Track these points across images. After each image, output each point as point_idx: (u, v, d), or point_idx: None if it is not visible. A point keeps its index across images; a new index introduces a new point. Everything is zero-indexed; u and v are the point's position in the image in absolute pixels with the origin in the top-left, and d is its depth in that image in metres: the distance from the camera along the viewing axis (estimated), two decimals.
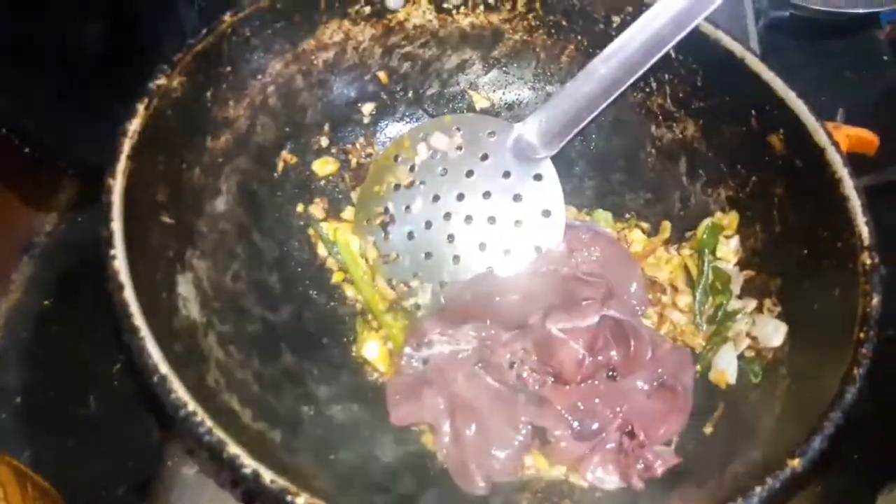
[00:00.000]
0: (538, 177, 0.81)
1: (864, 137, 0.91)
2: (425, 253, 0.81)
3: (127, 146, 0.63)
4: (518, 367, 0.73)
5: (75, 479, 0.77)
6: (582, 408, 0.71)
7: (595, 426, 0.71)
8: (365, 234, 0.83)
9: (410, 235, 0.82)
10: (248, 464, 0.52)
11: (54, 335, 0.88)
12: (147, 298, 0.58)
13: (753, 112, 0.77)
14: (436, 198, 0.82)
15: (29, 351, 0.87)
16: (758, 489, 0.54)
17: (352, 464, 0.68)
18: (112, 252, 0.58)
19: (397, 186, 0.83)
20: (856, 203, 0.68)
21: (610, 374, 0.75)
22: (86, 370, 0.82)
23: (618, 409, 0.71)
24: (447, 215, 0.82)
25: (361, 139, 0.87)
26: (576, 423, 0.71)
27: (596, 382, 0.73)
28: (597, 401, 0.72)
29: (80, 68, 0.89)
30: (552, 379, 0.73)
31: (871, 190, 0.70)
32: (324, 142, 0.85)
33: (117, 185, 0.61)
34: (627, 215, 0.87)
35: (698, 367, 0.76)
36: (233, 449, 0.52)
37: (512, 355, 0.73)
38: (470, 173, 0.82)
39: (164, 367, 0.54)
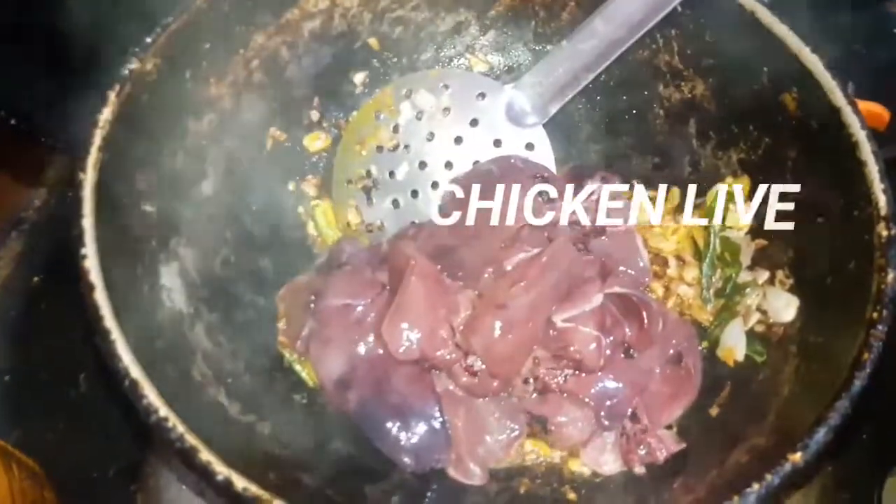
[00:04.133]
0: (529, 146, 0.78)
1: (875, 112, 0.85)
2: (412, 223, 0.78)
3: (98, 137, 0.61)
4: (532, 369, 0.68)
5: (64, 461, 0.76)
6: (609, 395, 0.67)
7: (624, 411, 0.67)
8: (345, 199, 0.79)
9: (396, 204, 0.79)
10: (220, 471, 0.51)
11: (44, 313, 0.86)
12: (124, 296, 0.57)
13: (765, 69, 0.72)
14: (422, 164, 0.79)
15: (18, 329, 0.85)
16: (755, 486, 0.52)
17: (346, 453, 0.67)
18: (83, 251, 0.56)
19: (380, 148, 0.79)
20: (873, 169, 0.63)
21: (627, 352, 0.70)
22: (75, 350, 0.79)
23: (641, 390, 0.68)
24: (435, 184, 0.79)
25: (354, 112, 0.83)
26: (603, 413, 0.67)
27: (615, 365, 0.69)
28: (620, 384, 0.68)
29: (70, 42, 0.87)
30: (572, 372, 0.68)
31: None
32: (314, 116, 0.82)
33: (88, 179, 0.59)
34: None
35: (705, 343, 0.73)
36: (205, 455, 0.51)
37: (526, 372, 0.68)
38: (459, 140, 0.79)
39: (135, 371, 0.53)
